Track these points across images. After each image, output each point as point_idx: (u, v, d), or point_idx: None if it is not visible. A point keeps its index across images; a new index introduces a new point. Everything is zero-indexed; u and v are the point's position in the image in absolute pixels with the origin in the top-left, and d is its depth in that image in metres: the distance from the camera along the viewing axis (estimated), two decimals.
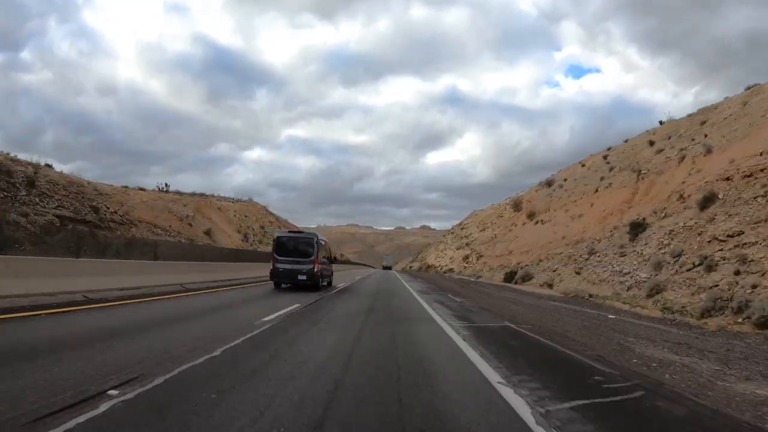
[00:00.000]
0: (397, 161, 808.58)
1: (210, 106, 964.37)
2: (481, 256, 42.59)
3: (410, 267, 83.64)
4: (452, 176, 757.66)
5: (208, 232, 34.66)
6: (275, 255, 15.13)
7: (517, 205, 45.60)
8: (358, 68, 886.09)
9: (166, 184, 39.81)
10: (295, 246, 15.33)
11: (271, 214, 57.50)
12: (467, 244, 53.39)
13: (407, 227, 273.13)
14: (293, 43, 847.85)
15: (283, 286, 15.11)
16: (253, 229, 46.29)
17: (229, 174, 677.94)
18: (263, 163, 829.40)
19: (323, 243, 16.90)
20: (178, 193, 39.31)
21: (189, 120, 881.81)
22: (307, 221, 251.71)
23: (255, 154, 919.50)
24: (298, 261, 14.95)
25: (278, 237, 16.05)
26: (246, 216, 48.25)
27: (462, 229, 73.27)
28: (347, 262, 67.56)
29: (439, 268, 53.73)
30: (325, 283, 16.73)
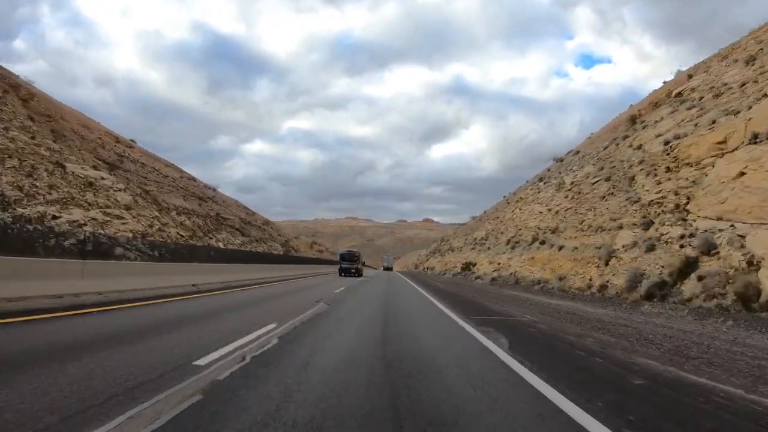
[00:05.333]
0: (401, 154, 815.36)
1: (209, 97, 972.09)
2: None
3: (451, 271, 45.41)
4: (457, 170, 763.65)
5: None
6: (341, 260, 32.20)
7: None
8: (363, 56, 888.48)
9: None
10: (349, 256, 32.67)
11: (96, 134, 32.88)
12: None
13: (409, 220, 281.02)
14: (296, 30, 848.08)
15: (342, 275, 31.41)
16: None
17: (228, 168, 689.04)
18: (264, 157, 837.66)
19: (360, 254, 33.92)
20: None
21: (188, 111, 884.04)
22: (306, 215, 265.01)
23: (256, 147, 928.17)
24: (351, 262, 32.00)
25: (341, 253, 33.40)
26: None
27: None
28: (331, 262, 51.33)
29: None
30: (362, 274, 33.24)
